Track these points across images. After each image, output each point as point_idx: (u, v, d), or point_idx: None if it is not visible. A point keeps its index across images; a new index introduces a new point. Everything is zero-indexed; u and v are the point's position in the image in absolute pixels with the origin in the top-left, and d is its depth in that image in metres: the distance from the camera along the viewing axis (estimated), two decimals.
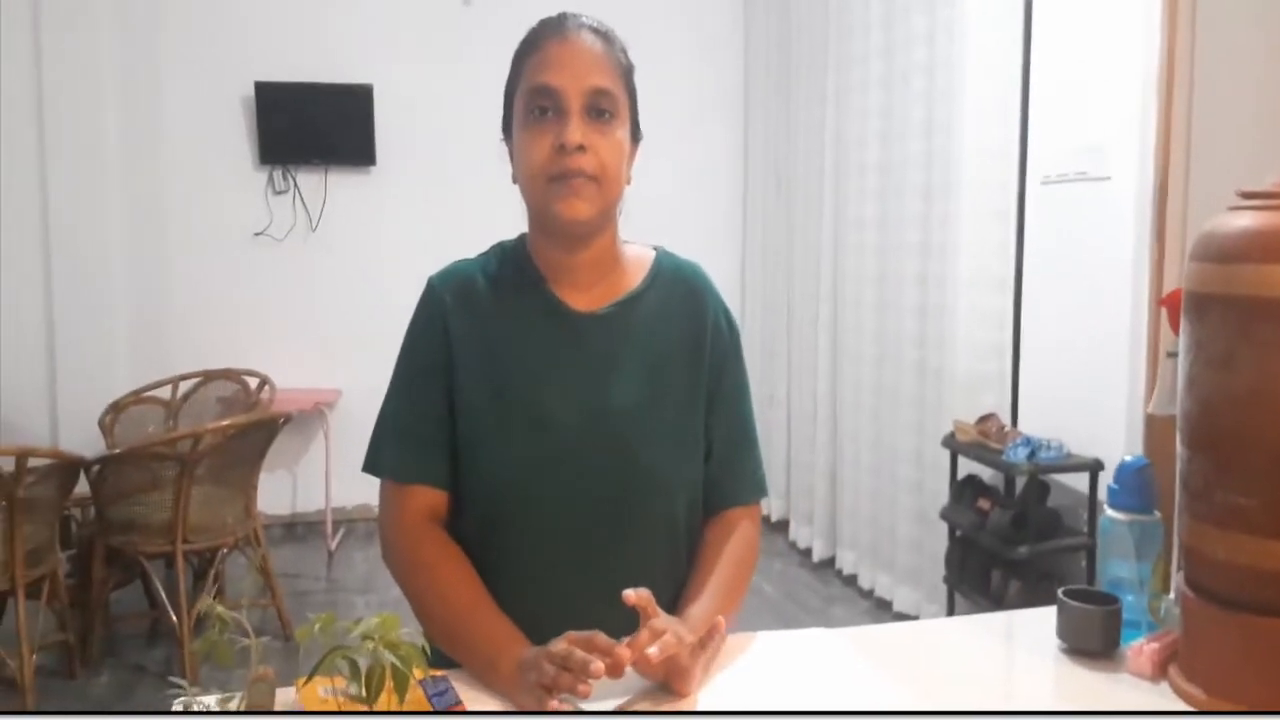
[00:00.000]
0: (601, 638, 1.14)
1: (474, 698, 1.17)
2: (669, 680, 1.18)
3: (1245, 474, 1.12)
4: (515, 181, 1.35)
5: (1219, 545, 1.15)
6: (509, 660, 1.19)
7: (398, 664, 0.79)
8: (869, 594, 4.43)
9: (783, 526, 5.24)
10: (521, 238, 1.43)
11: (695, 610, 1.29)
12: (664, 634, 1.14)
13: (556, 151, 1.27)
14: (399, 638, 0.80)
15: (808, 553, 4.97)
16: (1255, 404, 1.11)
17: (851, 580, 4.59)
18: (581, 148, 1.27)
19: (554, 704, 1.09)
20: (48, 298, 4.97)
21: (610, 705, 1.12)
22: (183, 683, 0.76)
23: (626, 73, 1.34)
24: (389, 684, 0.82)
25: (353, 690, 0.82)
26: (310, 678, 0.79)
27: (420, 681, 1.19)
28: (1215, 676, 1.17)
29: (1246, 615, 1.13)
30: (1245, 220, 1.13)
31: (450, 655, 1.25)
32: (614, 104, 1.31)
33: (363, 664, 0.80)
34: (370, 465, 1.39)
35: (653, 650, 1.11)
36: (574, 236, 1.34)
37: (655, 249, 1.47)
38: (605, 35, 1.34)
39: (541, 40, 1.32)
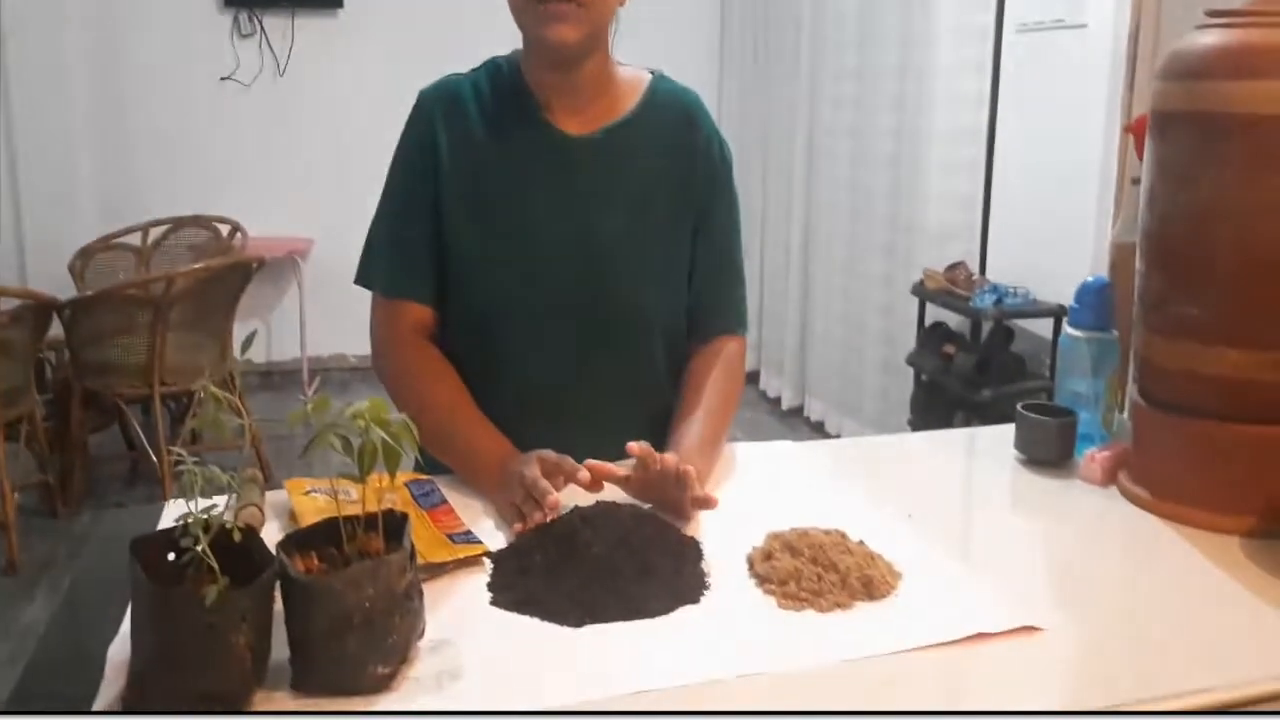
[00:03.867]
0: (569, 463, 1.19)
1: (458, 500, 1.23)
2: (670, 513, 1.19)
3: (1197, 285, 1.17)
4: None
5: (1169, 355, 1.21)
6: (494, 467, 1.24)
7: (389, 441, 0.83)
8: (836, 439, 4.55)
9: (753, 377, 5.32)
10: (516, 54, 1.40)
11: (687, 433, 1.32)
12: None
13: None
14: (389, 417, 0.84)
15: (777, 401, 5.08)
16: (1211, 218, 1.15)
17: (819, 427, 4.71)
18: None
19: (518, 527, 1.13)
20: (10, 143, 4.87)
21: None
22: (183, 453, 0.80)
23: None
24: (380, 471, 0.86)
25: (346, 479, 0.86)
26: (305, 452, 0.83)
27: (407, 483, 1.25)
28: (1160, 478, 1.24)
29: (1191, 419, 1.19)
30: (1211, 38, 1.15)
31: (439, 458, 1.30)
32: None
33: (355, 442, 0.84)
34: (361, 278, 1.41)
35: (634, 445, 1.15)
36: (562, 59, 1.32)
37: (652, 72, 1.45)
38: None
39: None
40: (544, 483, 1.15)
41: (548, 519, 1.11)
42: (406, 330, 1.39)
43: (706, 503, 1.18)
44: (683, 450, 1.27)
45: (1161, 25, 1.82)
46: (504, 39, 1.42)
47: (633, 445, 1.16)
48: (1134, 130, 1.49)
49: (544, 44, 1.28)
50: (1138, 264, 1.25)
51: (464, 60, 1.46)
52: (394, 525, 0.91)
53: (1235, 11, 1.16)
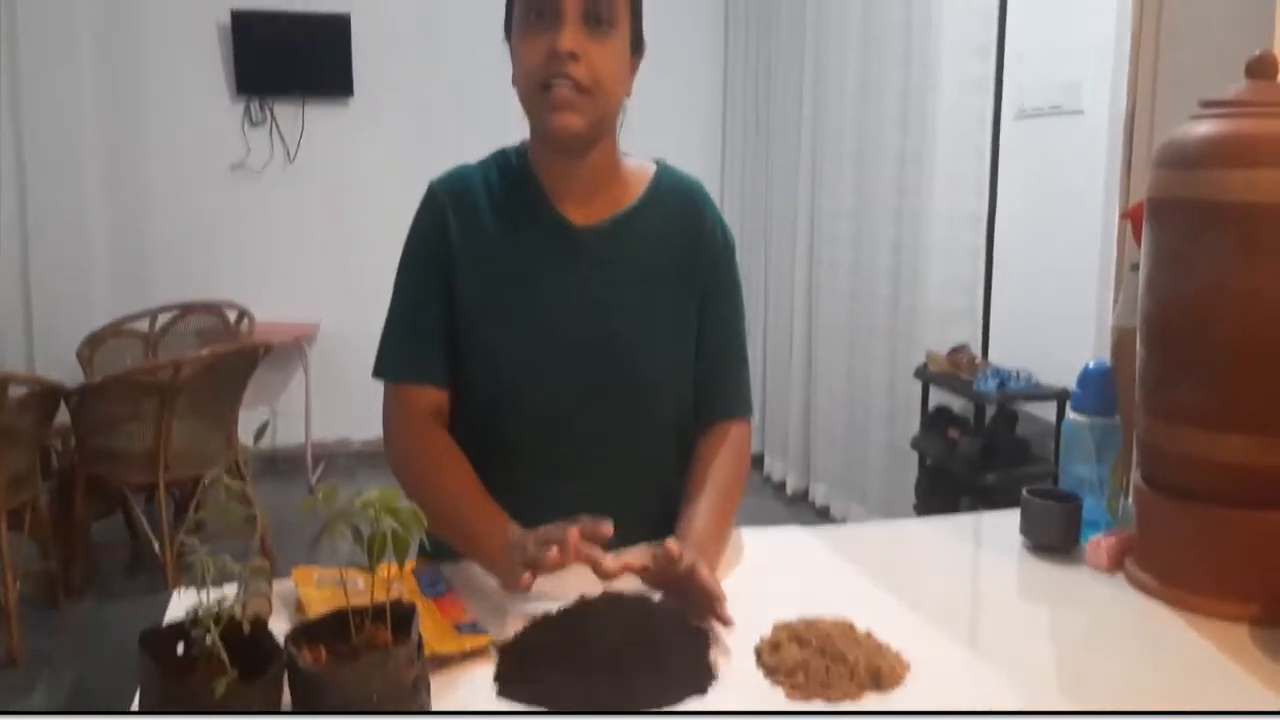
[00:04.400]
0: (586, 518, 1.18)
1: (464, 590, 1.22)
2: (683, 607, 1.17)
3: (1195, 371, 1.18)
4: (515, 84, 1.34)
5: (1170, 439, 1.21)
6: (498, 538, 1.24)
7: (398, 530, 0.84)
8: (841, 524, 4.52)
9: (758, 461, 5.31)
10: (525, 144, 1.43)
11: (695, 520, 1.31)
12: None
13: (549, 59, 1.25)
14: (399, 506, 0.85)
15: (781, 486, 5.06)
16: (1207, 303, 1.16)
17: (824, 512, 4.68)
18: (574, 56, 1.25)
19: (526, 578, 1.13)
20: (23, 228, 4.96)
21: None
22: (195, 541, 0.80)
23: None
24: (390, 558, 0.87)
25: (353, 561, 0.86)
26: (317, 541, 0.84)
27: (414, 571, 1.25)
28: (1166, 565, 1.23)
29: (1194, 505, 1.20)
30: (1205, 128, 1.18)
31: (444, 538, 1.30)
32: (612, 11, 1.28)
33: (365, 531, 0.85)
34: (378, 370, 1.42)
35: (673, 544, 1.14)
36: (568, 148, 1.34)
37: (657, 162, 1.48)
38: None
39: None
40: (559, 530, 1.15)
41: (565, 559, 1.11)
42: (418, 415, 1.39)
43: (725, 624, 1.14)
44: (691, 538, 1.27)
45: (1156, 112, 1.86)
46: (513, 127, 1.45)
47: (672, 545, 1.14)
48: (1131, 216, 1.52)
49: (551, 132, 1.31)
50: (1138, 348, 1.26)
51: (473, 149, 1.49)
52: (401, 616, 0.91)
53: (1229, 101, 1.19)
